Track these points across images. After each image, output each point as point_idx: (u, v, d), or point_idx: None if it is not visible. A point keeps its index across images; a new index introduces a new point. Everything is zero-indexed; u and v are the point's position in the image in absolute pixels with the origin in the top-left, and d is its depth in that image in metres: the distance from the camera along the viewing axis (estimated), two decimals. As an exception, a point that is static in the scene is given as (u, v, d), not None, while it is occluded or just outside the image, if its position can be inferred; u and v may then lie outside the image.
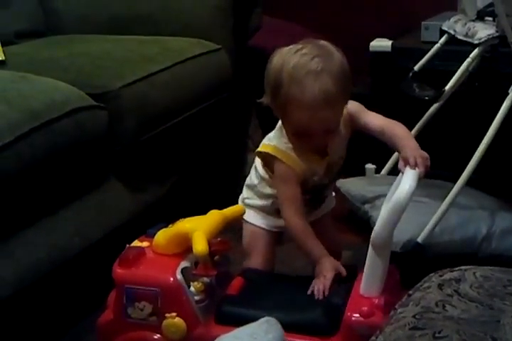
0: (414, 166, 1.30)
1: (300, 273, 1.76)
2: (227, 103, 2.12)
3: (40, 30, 2.39)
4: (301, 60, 1.34)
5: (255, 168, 1.55)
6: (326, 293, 1.36)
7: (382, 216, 1.29)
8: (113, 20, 2.34)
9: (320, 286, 1.36)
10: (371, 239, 1.30)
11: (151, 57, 2.03)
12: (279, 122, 1.47)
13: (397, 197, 1.26)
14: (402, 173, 1.32)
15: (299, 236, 1.45)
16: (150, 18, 2.32)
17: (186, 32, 2.24)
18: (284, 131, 1.45)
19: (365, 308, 1.29)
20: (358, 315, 1.29)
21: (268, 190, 1.53)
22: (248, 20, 2.37)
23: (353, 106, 1.46)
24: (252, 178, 1.56)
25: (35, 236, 1.61)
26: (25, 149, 1.53)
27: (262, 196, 1.55)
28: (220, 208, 1.45)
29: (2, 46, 2.04)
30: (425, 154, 1.33)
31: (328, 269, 1.38)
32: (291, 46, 1.38)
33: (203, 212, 1.43)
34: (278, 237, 1.59)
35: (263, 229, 1.55)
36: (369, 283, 1.33)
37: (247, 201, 1.56)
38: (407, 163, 1.32)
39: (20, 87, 1.66)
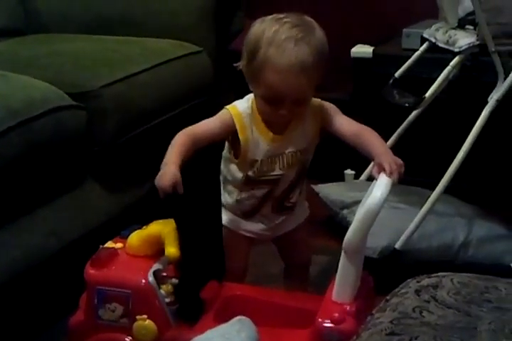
0: (389, 173, 1.30)
1: (275, 279, 1.77)
2: (208, 105, 2.11)
3: (20, 29, 2.38)
4: (282, 27, 1.36)
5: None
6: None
7: (354, 222, 1.29)
8: (94, 20, 2.32)
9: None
10: (343, 245, 1.30)
11: (132, 58, 2.02)
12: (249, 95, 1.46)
13: (369, 204, 1.26)
14: (376, 180, 1.32)
15: (171, 147, 1.37)
16: (132, 19, 2.31)
17: (168, 33, 2.23)
18: (249, 101, 1.45)
19: (336, 314, 1.28)
20: (329, 321, 1.29)
21: (228, 175, 1.50)
22: (230, 23, 2.37)
23: (329, 105, 1.47)
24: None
25: (10, 236, 1.59)
26: (2, 148, 1.51)
27: (226, 189, 1.52)
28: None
29: (-19, 44, 2.03)
30: (399, 161, 1.33)
31: (164, 179, 1.30)
32: (274, 15, 1.40)
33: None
34: (248, 240, 1.57)
35: (229, 229, 1.52)
36: (341, 289, 1.33)
37: (222, 198, 1.54)
38: (381, 169, 1.31)
39: (-1, 85, 1.64)
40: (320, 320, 1.29)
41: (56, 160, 1.70)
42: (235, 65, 1.44)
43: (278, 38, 1.34)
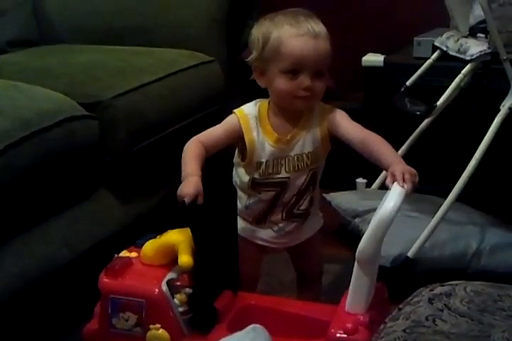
0: (402, 182, 1.29)
1: (287, 288, 1.77)
2: (220, 114, 2.10)
3: (33, 40, 2.40)
4: (286, 14, 1.44)
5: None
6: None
7: (367, 232, 1.27)
8: (106, 31, 2.34)
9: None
10: (356, 256, 1.29)
11: (144, 68, 2.03)
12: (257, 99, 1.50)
13: (382, 214, 1.25)
14: (389, 189, 1.31)
15: (186, 155, 1.41)
16: (143, 30, 2.32)
17: (180, 43, 2.25)
18: (257, 104, 1.48)
19: (349, 325, 1.27)
20: (342, 331, 1.28)
21: (237, 180, 1.52)
22: (241, 32, 2.38)
23: (337, 110, 1.47)
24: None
25: (23, 246, 1.60)
26: (16, 158, 1.52)
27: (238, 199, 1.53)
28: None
29: (-6, 55, 2.04)
30: (413, 170, 1.32)
31: (188, 188, 1.32)
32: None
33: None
34: (260, 248, 1.57)
35: (241, 237, 1.52)
36: (354, 299, 1.32)
37: None
38: (394, 179, 1.30)
39: (12, 96, 1.65)
40: (333, 330, 1.29)
41: (69, 170, 1.70)
42: (246, 60, 1.47)
43: (287, 20, 1.42)
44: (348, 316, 1.31)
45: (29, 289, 1.58)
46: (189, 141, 1.44)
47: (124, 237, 1.57)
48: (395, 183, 1.29)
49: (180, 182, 1.35)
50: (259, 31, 1.45)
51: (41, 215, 1.66)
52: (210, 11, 2.34)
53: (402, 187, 1.28)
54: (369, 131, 1.44)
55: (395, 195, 1.27)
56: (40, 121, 1.60)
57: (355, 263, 1.30)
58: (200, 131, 1.46)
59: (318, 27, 1.41)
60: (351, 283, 1.32)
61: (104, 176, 1.85)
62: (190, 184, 1.33)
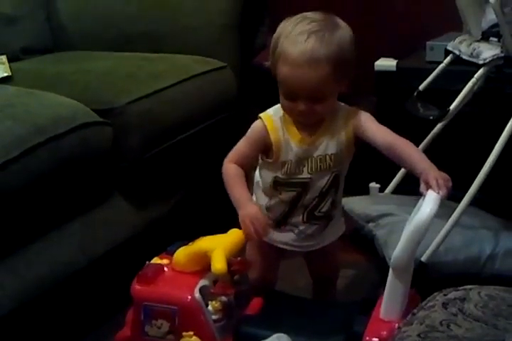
0: (437, 189, 1.29)
1: (302, 293, 1.77)
2: (233, 120, 2.12)
3: (47, 47, 2.41)
4: (302, 22, 1.38)
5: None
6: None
7: (402, 239, 1.27)
8: (119, 37, 2.35)
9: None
10: (391, 263, 1.28)
11: (157, 74, 2.04)
12: None
13: (418, 220, 1.25)
14: (424, 196, 1.31)
15: (228, 180, 1.44)
16: (156, 36, 2.33)
17: (192, 49, 2.25)
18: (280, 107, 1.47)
19: (384, 332, 1.27)
20: (377, 339, 1.28)
21: (260, 181, 1.52)
22: (254, 38, 2.39)
23: (363, 113, 1.47)
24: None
25: (38, 252, 1.61)
26: (31, 164, 1.53)
27: (257, 196, 1.53)
28: (224, 226, 1.44)
29: (9, 62, 2.05)
30: (446, 175, 1.33)
31: (248, 215, 1.37)
32: (302, 13, 1.43)
33: (207, 229, 1.43)
34: (279, 252, 1.57)
35: (262, 240, 1.50)
36: (389, 306, 1.31)
37: None
38: (429, 185, 1.31)
39: (27, 103, 1.67)
40: (368, 338, 1.28)
41: (83, 176, 1.71)
42: (265, 63, 1.47)
43: (294, 32, 1.36)
44: (383, 323, 1.30)
45: (44, 294, 1.59)
46: (224, 165, 1.45)
47: (138, 242, 1.57)
48: (430, 190, 1.29)
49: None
50: (274, 36, 1.42)
51: (56, 221, 1.67)
52: (222, 17, 2.34)
53: (438, 193, 1.28)
54: (397, 136, 1.44)
55: (430, 201, 1.27)
56: (54, 127, 1.61)
57: (390, 270, 1.29)
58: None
59: (316, 48, 1.34)
60: (386, 290, 1.31)
61: (118, 182, 1.86)
62: (256, 219, 1.37)
